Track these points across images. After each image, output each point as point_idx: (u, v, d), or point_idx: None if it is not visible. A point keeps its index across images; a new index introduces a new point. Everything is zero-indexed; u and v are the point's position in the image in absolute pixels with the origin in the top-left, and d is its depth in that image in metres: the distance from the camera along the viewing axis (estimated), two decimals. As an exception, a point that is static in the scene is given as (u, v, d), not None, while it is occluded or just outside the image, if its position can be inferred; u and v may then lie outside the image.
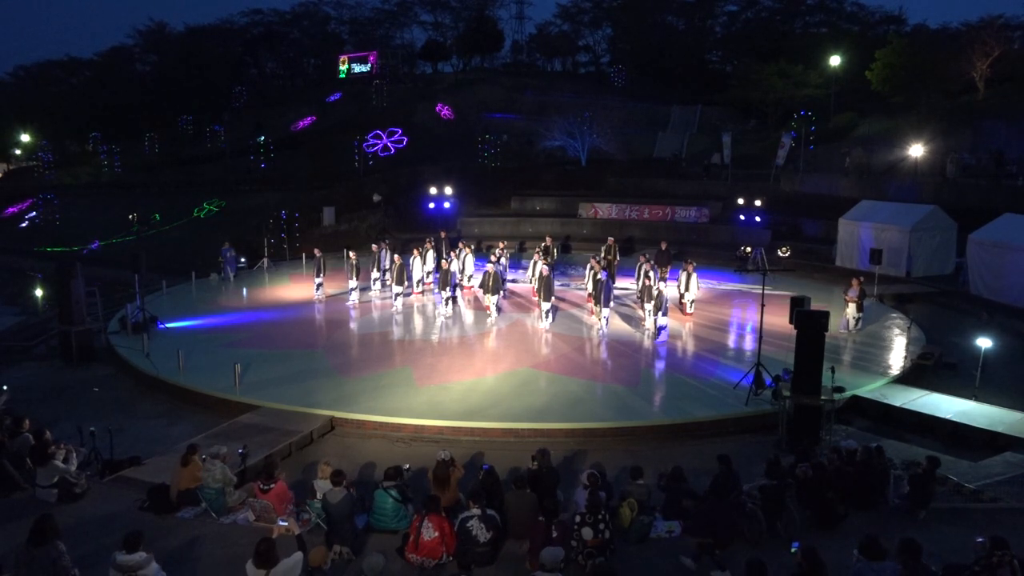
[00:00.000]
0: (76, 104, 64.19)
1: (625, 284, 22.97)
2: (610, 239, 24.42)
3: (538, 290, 19.43)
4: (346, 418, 13.20)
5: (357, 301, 21.63)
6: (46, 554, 7.13)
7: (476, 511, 8.24)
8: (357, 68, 60.60)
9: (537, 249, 23.75)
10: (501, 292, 20.46)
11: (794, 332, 12.15)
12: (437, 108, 50.08)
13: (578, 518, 8.00)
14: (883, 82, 39.11)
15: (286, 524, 7.35)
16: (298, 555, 7.18)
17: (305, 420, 12.93)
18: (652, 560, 8.39)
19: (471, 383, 14.79)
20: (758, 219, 28.28)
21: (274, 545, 7.03)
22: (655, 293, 17.79)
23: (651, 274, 18.92)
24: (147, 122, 59.48)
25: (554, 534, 7.85)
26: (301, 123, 52.91)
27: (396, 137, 45.06)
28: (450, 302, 20.30)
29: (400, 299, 20.99)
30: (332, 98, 55.90)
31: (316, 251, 22.72)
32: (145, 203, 40.74)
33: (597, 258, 21.17)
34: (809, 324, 11.90)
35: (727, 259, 26.47)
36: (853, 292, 18.16)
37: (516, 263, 26.65)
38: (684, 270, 19.66)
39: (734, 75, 50.17)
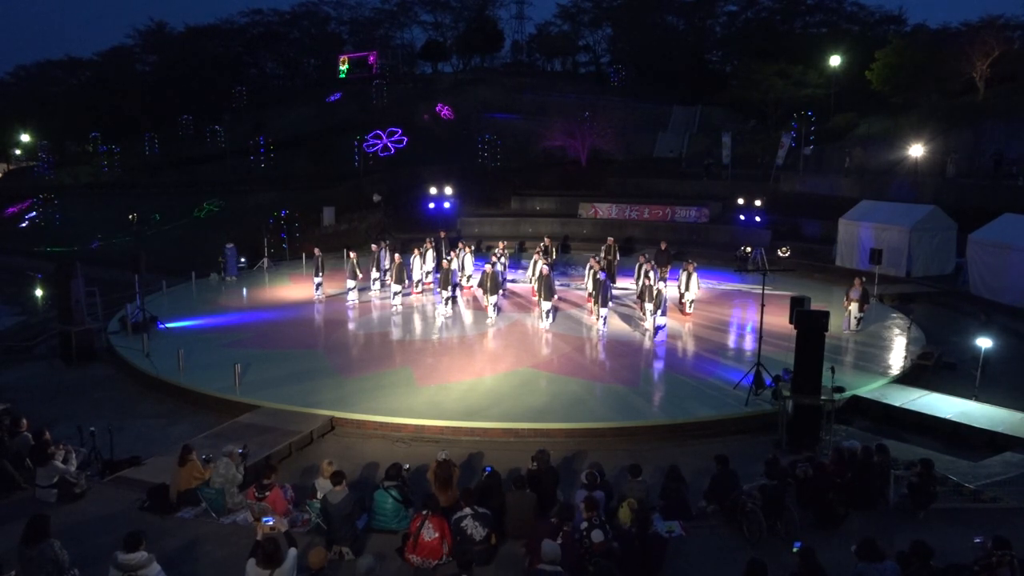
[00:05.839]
0: (76, 104, 64.21)
1: (625, 284, 22.97)
2: (610, 239, 24.43)
3: (538, 290, 19.43)
4: (346, 418, 13.20)
5: (357, 301, 21.63)
6: (41, 553, 7.13)
7: (468, 510, 8.26)
8: (357, 68, 60.63)
9: (537, 248, 23.75)
10: (500, 292, 20.45)
11: (794, 332, 12.15)
12: (437, 108, 50.12)
13: (585, 523, 7.96)
14: (883, 82, 39.10)
15: (271, 523, 7.34)
16: (292, 551, 7.19)
17: (305, 420, 12.93)
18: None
19: (471, 383, 14.78)
20: (758, 219, 28.29)
21: (279, 546, 7.03)
22: (655, 293, 17.79)
23: (651, 274, 18.93)
24: (147, 122, 59.50)
25: (559, 540, 7.80)
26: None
27: (396, 137, 45.09)
28: (450, 302, 20.30)
29: (399, 299, 20.99)
30: (332, 98, 55.93)
31: (316, 251, 22.72)
32: (145, 203, 40.78)
33: (597, 258, 21.18)
34: (809, 324, 11.90)
35: (727, 259, 26.46)
36: (855, 292, 18.16)
37: (516, 263, 26.66)
38: (684, 270, 19.66)
39: (734, 75, 50.13)
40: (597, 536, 7.78)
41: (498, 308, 19.80)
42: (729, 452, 10.20)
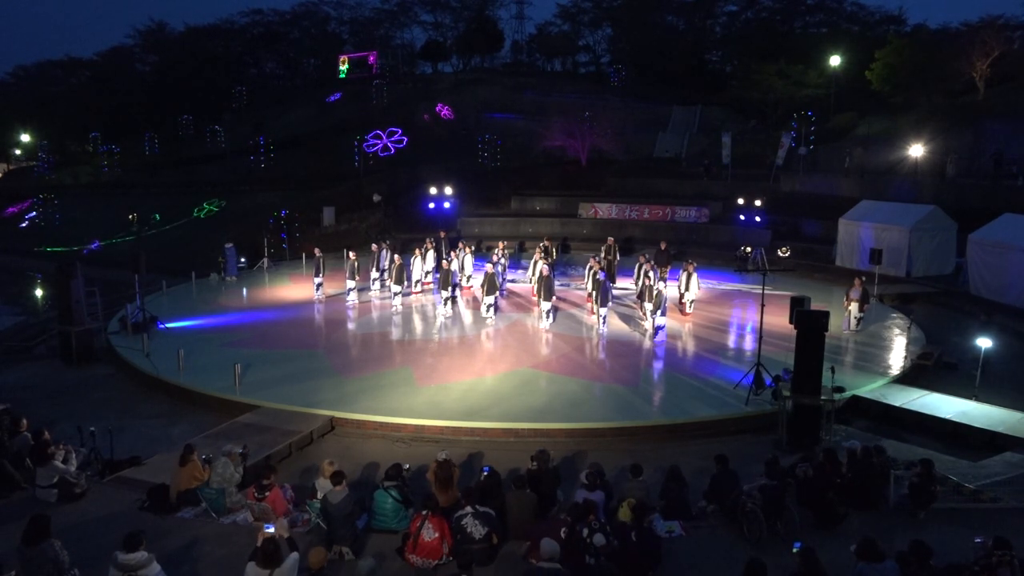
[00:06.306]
0: (76, 104, 64.28)
1: (625, 284, 22.97)
2: (610, 239, 24.44)
3: (538, 290, 19.43)
4: (346, 418, 13.20)
5: (357, 301, 21.63)
6: (42, 553, 7.13)
7: (469, 508, 8.27)
8: (357, 68, 60.67)
9: (538, 248, 23.75)
10: (498, 292, 20.42)
11: (794, 332, 12.15)
12: (437, 108, 50.13)
13: (586, 530, 7.95)
14: (883, 82, 39.14)
15: (272, 530, 7.33)
16: (294, 555, 7.18)
17: (305, 420, 12.93)
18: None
19: (471, 383, 14.78)
20: (758, 219, 28.28)
21: (279, 545, 7.04)
22: (655, 293, 17.80)
23: (651, 274, 18.94)
24: (147, 122, 59.53)
25: (563, 536, 7.77)
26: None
27: (396, 137, 45.09)
28: (450, 302, 20.29)
29: (399, 299, 20.99)
30: (332, 98, 55.93)
31: (316, 251, 22.73)
32: (145, 203, 40.78)
33: (597, 258, 21.19)
34: (809, 324, 11.89)
35: (727, 259, 26.46)
36: (855, 292, 18.16)
37: (516, 263, 26.66)
38: (685, 270, 19.66)
39: (734, 75, 50.23)
40: (599, 540, 7.75)
41: (496, 308, 19.77)
42: (729, 452, 10.20)
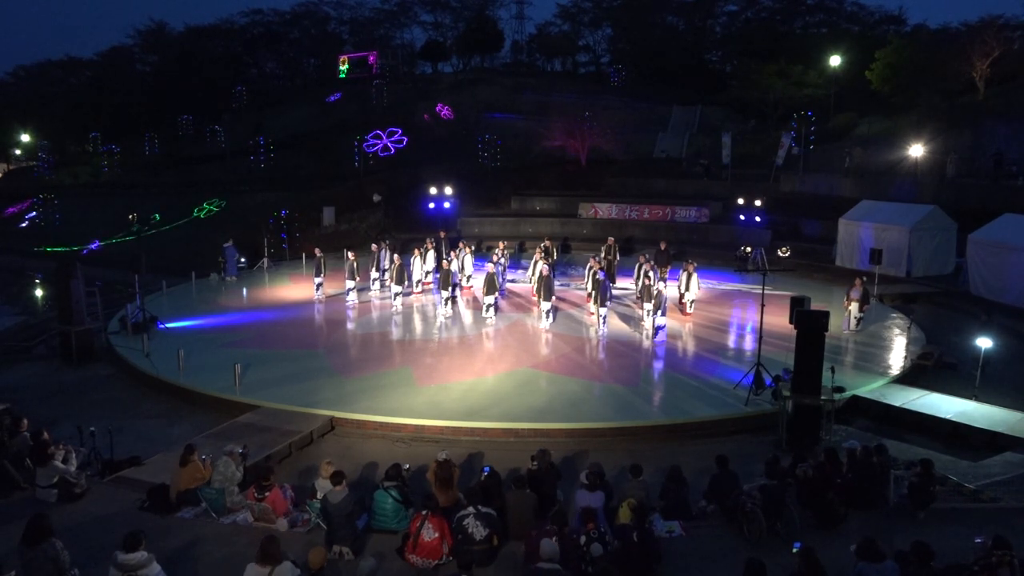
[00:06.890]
0: (76, 104, 64.21)
1: (625, 284, 22.98)
2: (610, 239, 24.45)
3: (537, 290, 19.42)
4: (346, 418, 13.20)
5: (357, 301, 21.63)
6: (43, 553, 7.13)
7: (471, 509, 8.26)
8: (357, 68, 60.68)
9: (539, 247, 23.75)
10: (498, 292, 20.43)
11: (794, 332, 12.15)
12: (437, 108, 50.12)
13: (584, 539, 7.90)
14: (883, 82, 39.13)
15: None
16: (297, 571, 7.15)
17: (305, 420, 12.93)
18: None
19: (471, 383, 14.78)
20: (758, 219, 28.27)
21: (278, 543, 7.04)
22: (655, 293, 17.80)
23: (651, 274, 18.94)
24: (147, 122, 59.49)
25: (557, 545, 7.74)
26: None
27: (396, 137, 45.08)
28: (450, 302, 20.29)
29: (399, 299, 21.00)
30: (332, 98, 55.92)
31: (316, 251, 22.73)
32: (145, 203, 40.75)
33: (597, 258, 21.19)
34: (809, 324, 11.89)
35: (727, 259, 26.46)
36: (856, 292, 18.16)
37: (516, 263, 26.66)
38: (685, 270, 19.67)
39: (734, 75, 50.16)
40: (596, 550, 7.70)
41: (496, 308, 19.77)
42: (729, 452, 10.20)
